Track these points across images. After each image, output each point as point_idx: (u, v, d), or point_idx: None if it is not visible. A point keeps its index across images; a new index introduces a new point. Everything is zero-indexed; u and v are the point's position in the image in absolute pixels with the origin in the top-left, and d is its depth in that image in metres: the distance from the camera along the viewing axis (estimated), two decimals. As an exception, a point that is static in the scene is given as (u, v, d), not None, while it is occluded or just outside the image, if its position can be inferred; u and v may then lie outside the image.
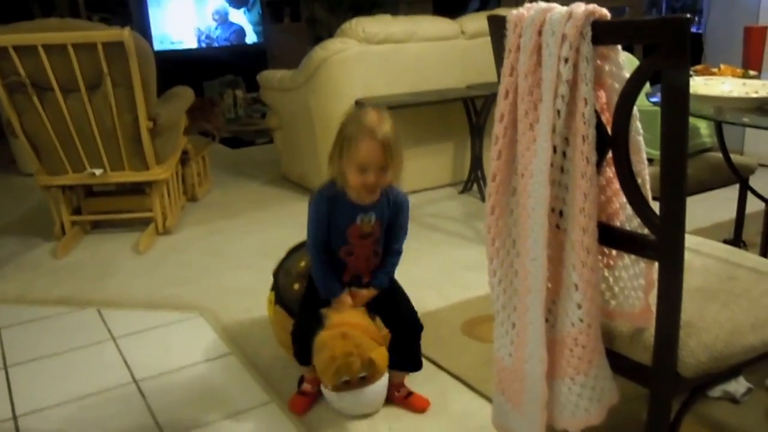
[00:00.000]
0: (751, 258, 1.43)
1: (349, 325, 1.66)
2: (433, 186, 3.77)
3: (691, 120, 2.35)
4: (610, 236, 1.16)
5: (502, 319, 1.32)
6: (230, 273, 2.70)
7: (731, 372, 1.18)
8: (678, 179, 1.00)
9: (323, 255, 1.72)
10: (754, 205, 2.43)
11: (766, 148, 3.96)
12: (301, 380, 1.86)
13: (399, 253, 1.80)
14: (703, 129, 2.44)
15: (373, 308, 1.78)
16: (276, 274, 1.98)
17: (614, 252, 1.21)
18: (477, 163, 3.65)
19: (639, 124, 1.10)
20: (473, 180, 3.71)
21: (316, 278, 1.75)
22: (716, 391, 1.77)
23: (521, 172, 1.21)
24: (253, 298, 2.44)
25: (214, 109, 4.67)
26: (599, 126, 1.09)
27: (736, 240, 2.62)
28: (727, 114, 1.69)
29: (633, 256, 1.17)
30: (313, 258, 1.74)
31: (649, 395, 1.16)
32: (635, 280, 1.17)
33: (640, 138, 1.11)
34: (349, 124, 1.63)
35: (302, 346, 1.73)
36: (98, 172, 2.95)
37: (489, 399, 1.72)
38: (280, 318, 1.92)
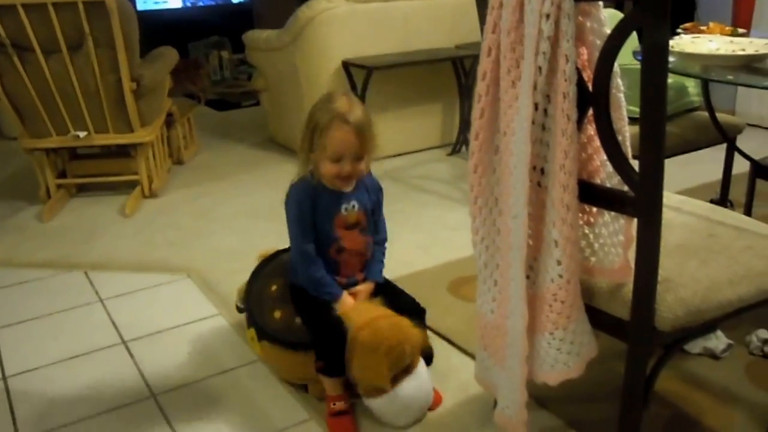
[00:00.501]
0: (732, 216, 1.44)
1: (378, 316, 1.53)
2: (421, 148, 3.76)
3: (680, 79, 2.35)
4: (590, 193, 1.16)
5: (484, 276, 1.33)
6: (218, 235, 2.71)
7: (708, 327, 1.20)
8: (657, 136, 1.00)
9: (313, 258, 1.61)
10: (743, 165, 2.44)
11: (758, 107, 3.96)
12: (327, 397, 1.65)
13: (385, 240, 1.74)
14: (691, 88, 2.43)
15: None
16: (248, 306, 1.81)
17: (594, 209, 1.21)
18: (466, 124, 3.64)
19: (620, 81, 1.10)
20: (462, 141, 3.70)
21: (310, 285, 1.63)
22: (697, 348, 1.80)
23: (504, 130, 1.21)
24: (240, 260, 2.44)
25: (199, 71, 4.60)
26: (580, 83, 1.08)
27: (723, 199, 2.64)
28: (713, 72, 1.68)
29: (613, 213, 1.18)
30: (303, 263, 1.62)
31: (627, 349, 1.18)
32: (615, 236, 1.18)
33: (621, 95, 1.11)
34: (318, 112, 1.54)
35: (334, 357, 1.54)
36: (82, 134, 2.92)
37: (473, 356, 1.75)
38: (272, 354, 1.73)
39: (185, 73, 3.77)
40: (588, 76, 1.11)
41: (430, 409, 1.62)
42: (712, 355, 1.79)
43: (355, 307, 1.59)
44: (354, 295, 1.65)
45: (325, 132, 1.50)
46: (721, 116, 2.40)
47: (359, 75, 3.29)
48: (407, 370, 1.54)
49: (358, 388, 1.57)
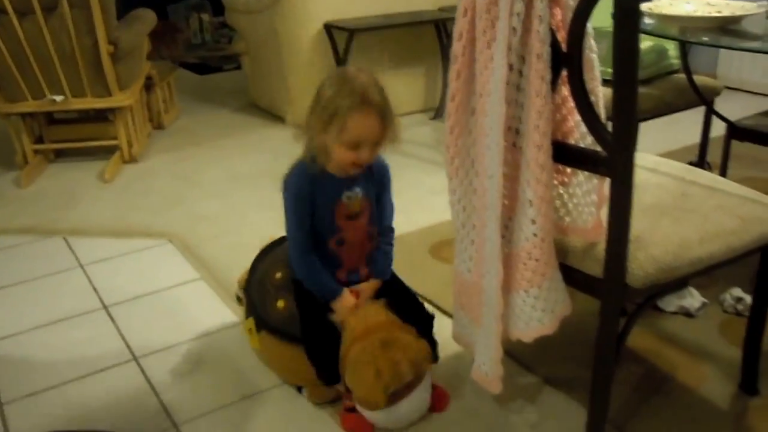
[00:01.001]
0: (705, 176, 1.46)
1: (376, 326, 1.41)
2: (404, 112, 3.74)
3: (660, 41, 2.35)
4: (564, 154, 1.17)
5: (461, 236, 1.34)
6: (199, 200, 2.70)
7: (679, 283, 1.22)
8: (629, 97, 1.01)
9: (311, 254, 1.45)
10: (723, 127, 2.45)
11: (738, 70, 3.97)
12: (299, 389, 1.59)
13: (392, 231, 1.57)
14: (671, 50, 2.43)
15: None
16: (247, 293, 1.65)
17: (569, 169, 1.23)
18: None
19: (593, 42, 1.10)
20: (445, 105, 3.68)
21: (308, 283, 1.48)
22: (672, 306, 1.84)
23: (479, 92, 1.21)
24: (222, 225, 2.45)
25: (175, 35, 4.49)
26: (554, 44, 1.08)
27: (701, 161, 2.66)
28: (689, 34, 1.68)
29: (586, 173, 1.19)
30: (300, 259, 1.46)
31: (600, 306, 1.20)
32: (588, 196, 1.20)
33: (594, 56, 1.11)
34: (336, 94, 1.33)
35: (326, 365, 1.46)
36: (59, 98, 2.88)
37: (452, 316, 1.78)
38: (270, 346, 1.58)
39: (161, 37, 3.68)
40: (562, 36, 1.11)
41: (438, 410, 1.52)
42: (687, 314, 1.83)
43: (356, 314, 1.45)
44: (356, 293, 1.50)
45: (345, 117, 1.31)
46: (699, 79, 2.41)
47: (341, 38, 3.25)
48: (409, 385, 1.40)
49: (352, 396, 1.46)
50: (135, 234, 2.43)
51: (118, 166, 3.05)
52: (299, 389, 1.59)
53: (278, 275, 1.58)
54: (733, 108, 2.49)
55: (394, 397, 1.39)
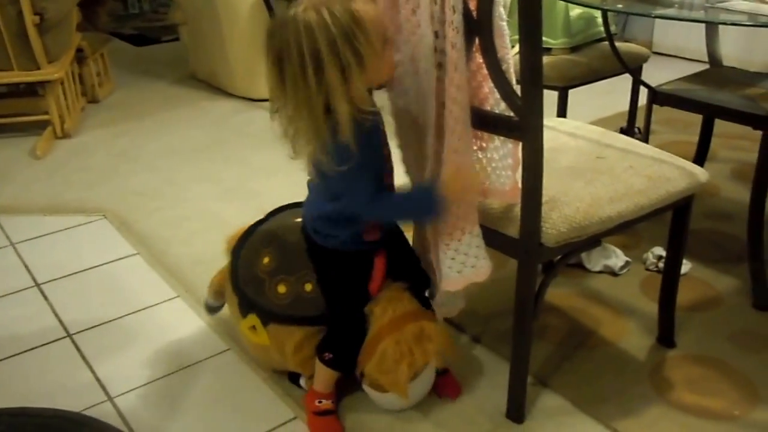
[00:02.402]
0: (621, 139, 1.52)
1: (404, 316, 1.34)
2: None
3: (588, 10, 2.40)
4: (481, 120, 1.21)
5: None
6: (137, 175, 2.65)
7: (591, 242, 1.28)
8: (535, 63, 1.04)
9: (387, 196, 1.26)
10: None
11: (674, 38, 4.08)
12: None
13: None
14: (599, 18, 2.49)
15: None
16: (238, 291, 1.49)
17: (486, 134, 1.26)
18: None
19: (502, 10, 1.13)
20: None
21: (406, 214, 1.31)
22: (597, 266, 1.92)
23: (411, 58, 1.22)
24: (160, 199, 2.43)
25: (97, 9, 4.32)
26: (467, 13, 1.11)
27: (630, 127, 2.75)
28: (606, 1, 1.73)
29: (502, 138, 1.23)
30: (377, 204, 1.22)
31: (517, 265, 1.25)
32: (505, 160, 1.24)
33: (504, 24, 1.14)
34: (330, 23, 1.06)
35: (349, 355, 1.37)
36: (-17, 72, 2.78)
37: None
38: (281, 337, 1.45)
39: (82, 9, 3.54)
40: (474, 5, 1.13)
41: (452, 396, 1.49)
42: (612, 272, 1.91)
43: (379, 302, 1.35)
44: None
45: (358, 27, 1.07)
46: (628, 46, 2.47)
47: (279, 7, 3.21)
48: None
49: (364, 379, 1.40)
50: (68, 211, 2.38)
51: (51, 141, 2.97)
52: (294, 380, 1.53)
53: (266, 260, 1.47)
54: (666, 74, 2.56)
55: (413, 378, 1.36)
